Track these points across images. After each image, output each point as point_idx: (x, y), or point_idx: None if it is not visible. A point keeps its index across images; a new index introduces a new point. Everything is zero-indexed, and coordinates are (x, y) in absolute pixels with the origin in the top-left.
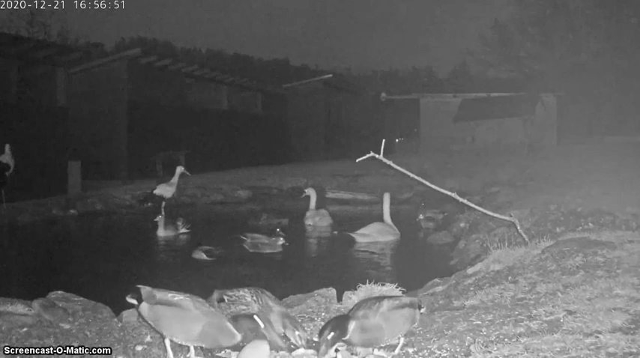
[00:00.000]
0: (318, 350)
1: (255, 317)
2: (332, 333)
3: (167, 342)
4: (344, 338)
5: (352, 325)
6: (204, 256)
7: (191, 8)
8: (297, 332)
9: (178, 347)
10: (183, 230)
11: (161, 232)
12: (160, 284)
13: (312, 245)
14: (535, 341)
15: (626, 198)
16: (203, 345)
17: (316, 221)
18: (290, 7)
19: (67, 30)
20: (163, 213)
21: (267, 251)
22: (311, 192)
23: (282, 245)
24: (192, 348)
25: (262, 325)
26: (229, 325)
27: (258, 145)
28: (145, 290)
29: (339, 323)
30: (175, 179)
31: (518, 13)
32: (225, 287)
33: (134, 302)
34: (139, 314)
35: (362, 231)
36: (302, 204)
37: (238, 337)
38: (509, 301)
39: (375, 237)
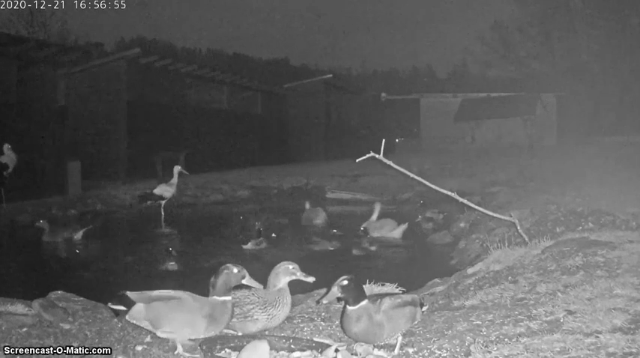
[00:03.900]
0: (325, 295)
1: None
2: (347, 283)
3: (177, 340)
4: (350, 307)
5: (363, 304)
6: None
7: (191, 8)
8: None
9: (167, 344)
10: (77, 236)
11: (47, 238)
12: (158, 285)
13: (311, 244)
14: (535, 341)
15: (626, 198)
16: (212, 332)
17: (311, 218)
18: (290, 7)
19: (67, 30)
20: (163, 213)
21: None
22: (307, 204)
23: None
24: (179, 346)
25: (236, 270)
26: (219, 299)
27: (258, 145)
28: (133, 294)
29: (353, 287)
30: (175, 179)
31: (518, 13)
32: None
33: (121, 307)
34: (131, 319)
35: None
36: (302, 204)
37: (229, 299)
38: (509, 301)
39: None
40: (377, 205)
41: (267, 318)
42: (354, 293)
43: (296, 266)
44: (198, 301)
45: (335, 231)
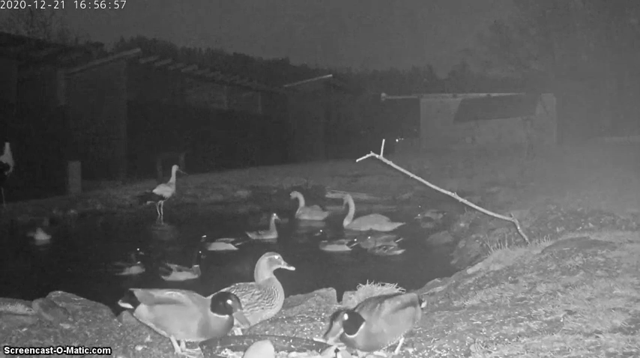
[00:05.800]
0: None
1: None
2: (348, 318)
3: (173, 339)
4: (349, 336)
5: (362, 327)
6: (230, 246)
7: (191, 8)
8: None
9: (168, 344)
10: (39, 236)
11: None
12: (160, 283)
13: (311, 244)
14: (535, 341)
15: (626, 198)
16: (207, 338)
17: (312, 215)
18: (290, 7)
19: (67, 30)
20: (162, 212)
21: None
22: (298, 195)
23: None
24: (175, 344)
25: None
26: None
27: (258, 145)
28: (139, 292)
29: (352, 319)
30: (173, 179)
31: (518, 13)
32: (221, 287)
33: (129, 306)
34: (137, 317)
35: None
36: (292, 198)
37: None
38: (509, 301)
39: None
40: (349, 199)
41: (271, 307)
42: (354, 324)
43: (279, 256)
44: (200, 306)
45: (321, 231)
